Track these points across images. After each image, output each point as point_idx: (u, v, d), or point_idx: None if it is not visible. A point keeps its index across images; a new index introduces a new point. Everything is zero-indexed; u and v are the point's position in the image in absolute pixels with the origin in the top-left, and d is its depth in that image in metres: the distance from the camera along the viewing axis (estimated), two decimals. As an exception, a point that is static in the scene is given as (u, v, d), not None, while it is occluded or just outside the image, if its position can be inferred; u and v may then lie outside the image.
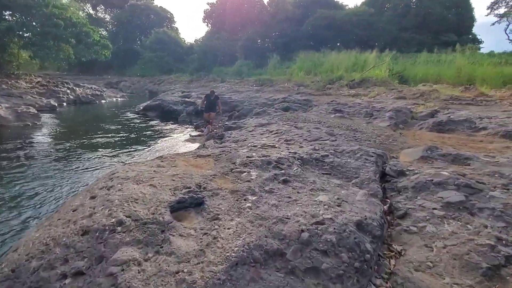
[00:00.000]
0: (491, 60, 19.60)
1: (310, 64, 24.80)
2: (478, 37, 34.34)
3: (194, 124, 12.37)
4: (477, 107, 9.53)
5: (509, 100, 11.60)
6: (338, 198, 2.76)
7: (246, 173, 3.31)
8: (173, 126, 12.09)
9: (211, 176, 3.25)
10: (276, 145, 4.71)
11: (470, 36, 33.91)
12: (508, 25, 30.34)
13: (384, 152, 4.40)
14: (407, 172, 3.58)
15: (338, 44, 30.75)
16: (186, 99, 14.41)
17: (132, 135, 10.27)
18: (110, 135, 10.13)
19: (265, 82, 21.80)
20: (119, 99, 24.32)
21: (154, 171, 3.31)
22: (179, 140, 9.59)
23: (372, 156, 3.98)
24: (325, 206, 2.56)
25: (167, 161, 3.84)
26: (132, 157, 7.62)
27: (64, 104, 18.05)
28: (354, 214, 2.46)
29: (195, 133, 10.19)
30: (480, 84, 16.23)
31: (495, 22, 31.61)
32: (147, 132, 10.85)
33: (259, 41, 34.99)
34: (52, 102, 15.99)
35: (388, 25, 32.35)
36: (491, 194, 2.83)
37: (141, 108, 14.85)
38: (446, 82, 18.58)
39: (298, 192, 2.89)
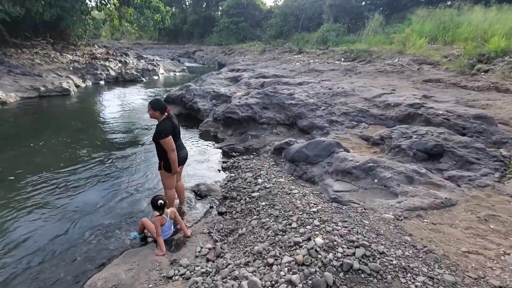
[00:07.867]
0: None
1: (435, 25, 15.08)
2: None
3: (222, 144, 6.32)
4: None
5: None
6: None
7: None
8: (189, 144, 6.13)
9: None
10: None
11: None
12: None
13: None
14: None
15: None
16: (222, 88, 8.11)
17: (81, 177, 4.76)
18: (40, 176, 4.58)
19: (359, 54, 13.68)
20: (177, 73, 19.76)
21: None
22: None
23: None
24: None
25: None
26: None
27: (102, 82, 14.12)
28: None
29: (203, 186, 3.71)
30: None
31: None
32: (118, 168, 5.05)
33: (354, -3, 25.07)
34: (65, 84, 11.22)
35: None
36: None
37: (164, 98, 9.43)
38: None
39: None
